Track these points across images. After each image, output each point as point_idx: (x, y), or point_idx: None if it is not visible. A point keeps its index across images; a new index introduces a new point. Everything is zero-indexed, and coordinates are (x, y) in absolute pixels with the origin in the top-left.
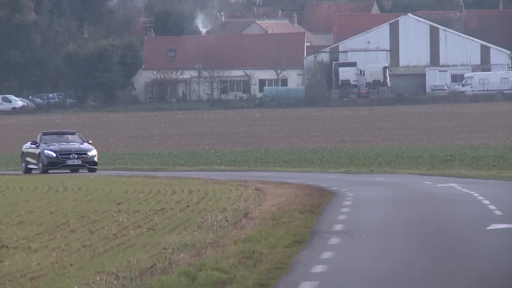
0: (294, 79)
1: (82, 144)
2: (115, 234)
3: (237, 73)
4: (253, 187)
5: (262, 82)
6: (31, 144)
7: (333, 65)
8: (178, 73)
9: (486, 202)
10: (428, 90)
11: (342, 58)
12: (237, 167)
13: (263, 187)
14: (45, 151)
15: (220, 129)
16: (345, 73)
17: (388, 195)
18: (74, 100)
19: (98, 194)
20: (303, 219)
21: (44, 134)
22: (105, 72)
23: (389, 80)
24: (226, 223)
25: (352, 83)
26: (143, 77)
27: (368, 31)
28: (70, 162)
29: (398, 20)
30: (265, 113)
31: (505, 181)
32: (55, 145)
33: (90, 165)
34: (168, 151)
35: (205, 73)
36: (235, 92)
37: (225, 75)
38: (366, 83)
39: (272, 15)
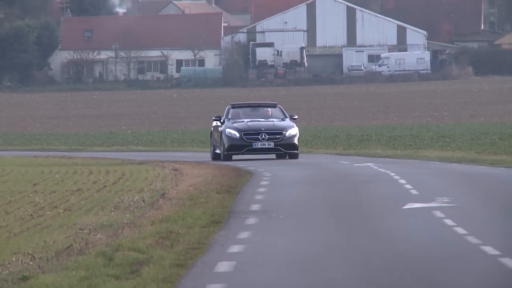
0: (212, 60)
1: (282, 120)
2: (31, 214)
3: (154, 53)
4: (170, 168)
5: (179, 63)
6: (214, 119)
7: (250, 45)
8: (94, 54)
9: (402, 181)
10: (345, 70)
11: (259, 39)
12: (154, 148)
13: (180, 167)
14: (227, 130)
15: (137, 110)
16: (262, 54)
17: (305, 175)
18: None
19: (13, 174)
20: (220, 199)
21: (233, 107)
22: (21, 52)
23: (306, 60)
24: (143, 204)
25: (269, 63)
26: (59, 58)
27: (285, 11)
28: (258, 144)
29: (315, 0)
30: (182, 93)
31: (421, 160)
32: (242, 121)
33: (287, 148)
34: (84, 131)
35: (122, 54)
36: (152, 73)
37: (142, 55)
38: (283, 63)
39: None
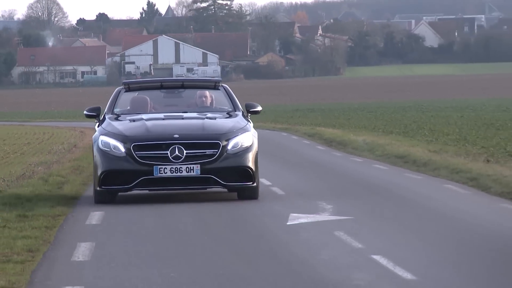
0: (101, 71)
1: (227, 116)
2: (2, 157)
3: (70, 68)
4: (78, 131)
5: (83, 73)
6: (88, 115)
7: (122, 63)
8: (36, 68)
9: None
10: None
11: (127, 59)
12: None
13: (84, 130)
14: (101, 139)
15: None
16: (129, 68)
17: None
18: None
19: None
20: None
21: (129, 88)
22: None
23: (153, 71)
24: (64, 150)
25: (133, 73)
26: (16, 71)
27: (141, 44)
28: (166, 170)
29: (157, 38)
30: (91, 91)
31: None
32: (138, 119)
33: (229, 178)
34: (45, 110)
35: (52, 68)
36: (69, 79)
37: (62, 69)
38: (140, 73)
39: None
